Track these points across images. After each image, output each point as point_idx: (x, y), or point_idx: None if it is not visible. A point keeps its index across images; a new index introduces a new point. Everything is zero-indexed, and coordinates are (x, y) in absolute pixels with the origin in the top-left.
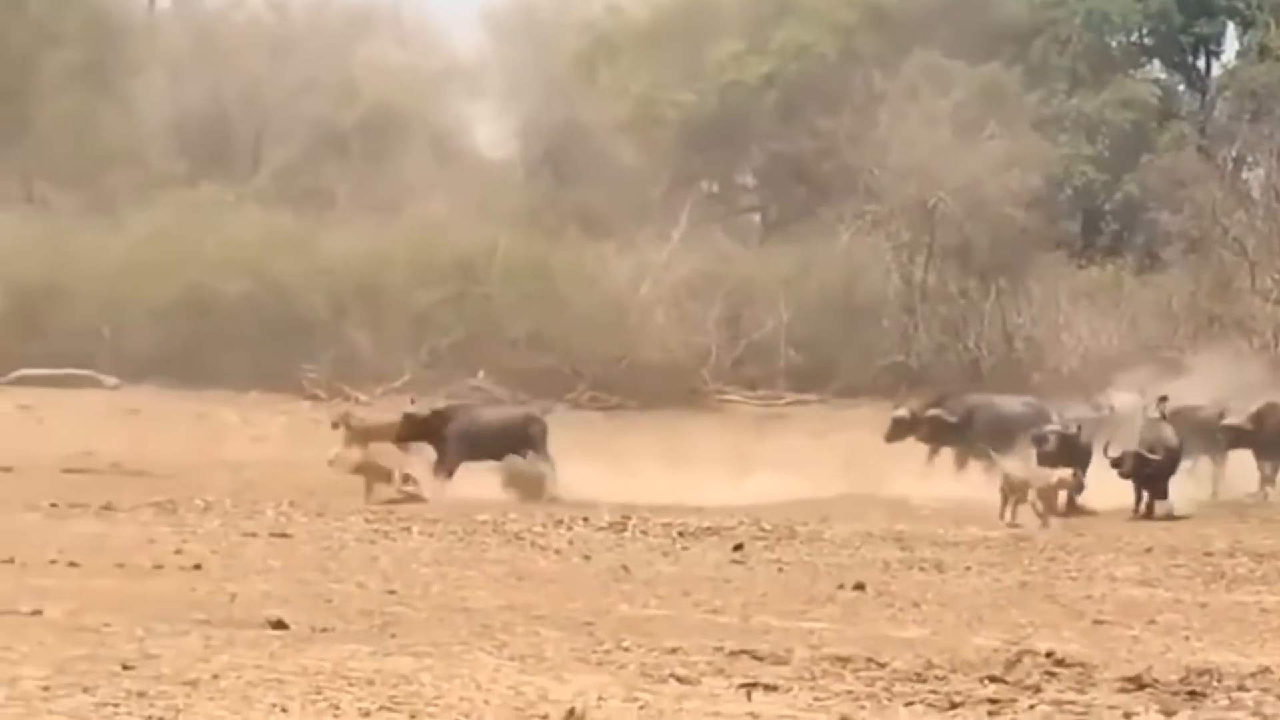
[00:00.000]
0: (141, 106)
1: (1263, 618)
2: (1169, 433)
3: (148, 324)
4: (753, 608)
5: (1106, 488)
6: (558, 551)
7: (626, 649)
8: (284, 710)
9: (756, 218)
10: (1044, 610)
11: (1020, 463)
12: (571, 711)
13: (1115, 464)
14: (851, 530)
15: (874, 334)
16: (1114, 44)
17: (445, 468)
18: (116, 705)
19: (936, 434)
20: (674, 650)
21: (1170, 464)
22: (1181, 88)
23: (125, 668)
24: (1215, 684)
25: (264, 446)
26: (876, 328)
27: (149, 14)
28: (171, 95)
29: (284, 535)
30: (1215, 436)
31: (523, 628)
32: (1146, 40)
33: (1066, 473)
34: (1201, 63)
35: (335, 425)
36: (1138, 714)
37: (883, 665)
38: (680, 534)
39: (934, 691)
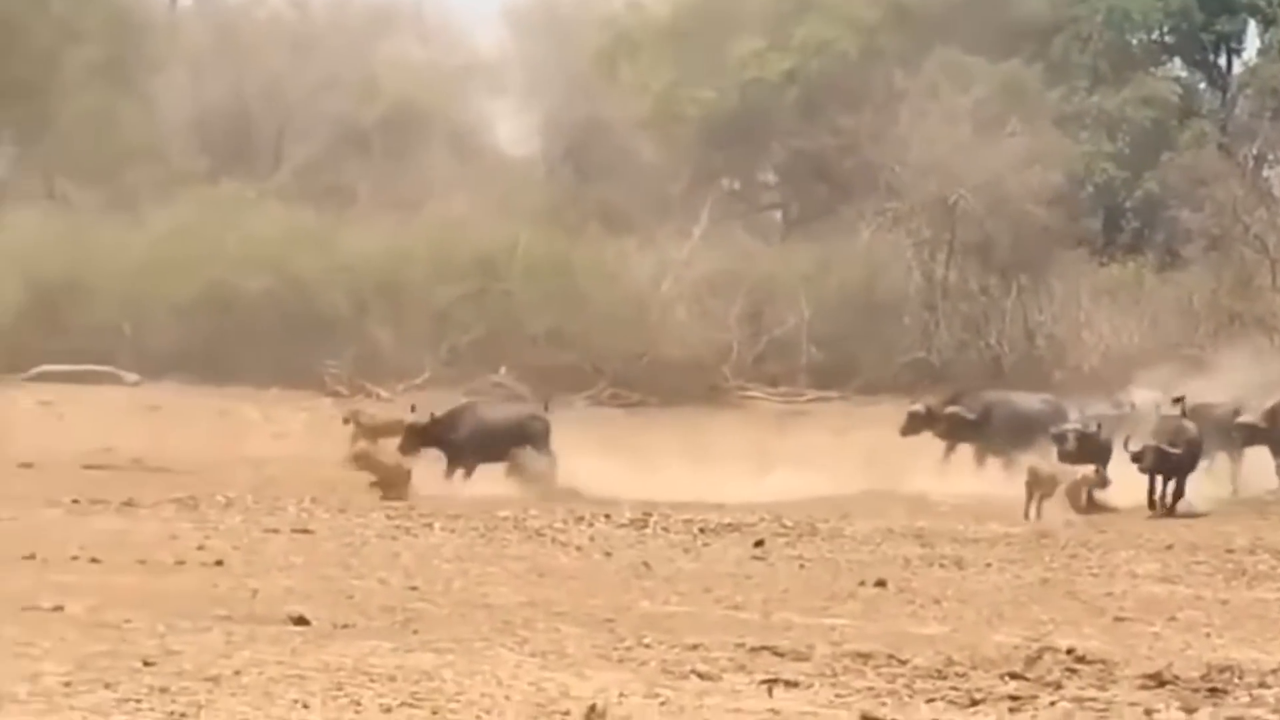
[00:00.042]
0: (163, 103)
1: None
2: (1189, 426)
3: (169, 320)
4: (774, 604)
5: (1128, 484)
6: (579, 548)
7: (647, 645)
8: (305, 706)
9: (777, 215)
10: (1065, 607)
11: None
12: (593, 708)
13: (1136, 458)
14: (872, 527)
15: (895, 331)
16: (1135, 41)
17: (455, 470)
18: (138, 701)
19: (954, 430)
20: (695, 647)
21: (1191, 458)
22: (1202, 85)
23: (146, 664)
24: (1236, 681)
25: (285, 443)
26: (898, 325)
27: (170, 11)
28: (193, 92)
29: (306, 531)
30: (1231, 434)
31: (544, 624)
32: (1167, 38)
33: (1090, 469)
34: (1222, 60)
35: (346, 421)
36: (1158, 711)
37: (904, 662)
38: (701, 530)
39: (955, 688)
